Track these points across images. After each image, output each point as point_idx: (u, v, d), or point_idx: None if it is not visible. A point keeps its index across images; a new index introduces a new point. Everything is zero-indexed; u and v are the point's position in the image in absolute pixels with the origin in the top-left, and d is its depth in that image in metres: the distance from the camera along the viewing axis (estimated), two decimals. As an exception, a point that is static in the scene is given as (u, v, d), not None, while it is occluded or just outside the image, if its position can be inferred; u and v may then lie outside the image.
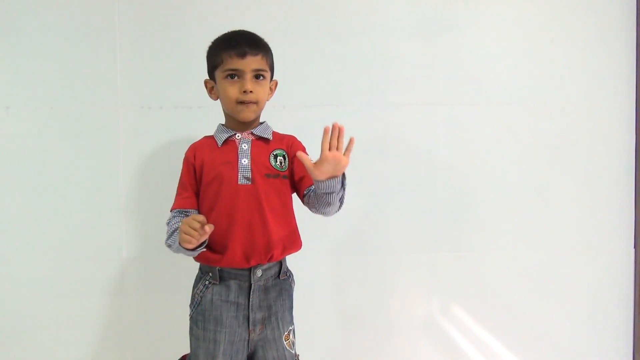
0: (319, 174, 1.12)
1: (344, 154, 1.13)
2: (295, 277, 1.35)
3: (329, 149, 1.11)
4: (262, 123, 1.33)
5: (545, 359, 1.74)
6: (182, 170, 1.32)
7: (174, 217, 1.27)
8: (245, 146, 1.27)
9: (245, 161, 1.26)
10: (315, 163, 1.13)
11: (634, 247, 1.75)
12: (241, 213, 1.23)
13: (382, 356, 1.71)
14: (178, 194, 1.31)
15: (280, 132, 1.35)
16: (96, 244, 1.62)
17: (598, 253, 1.75)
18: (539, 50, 1.70)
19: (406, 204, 1.69)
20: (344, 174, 1.17)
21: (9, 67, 1.59)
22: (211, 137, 1.32)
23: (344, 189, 1.20)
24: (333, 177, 1.14)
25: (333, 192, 1.17)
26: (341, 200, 1.22)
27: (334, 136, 1.12)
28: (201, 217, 1.13)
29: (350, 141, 1.13)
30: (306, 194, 1.26)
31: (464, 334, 1.73)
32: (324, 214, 1.25)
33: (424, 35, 1.67)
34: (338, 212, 1.26)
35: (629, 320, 1.77)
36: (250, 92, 1.24)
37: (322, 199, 1.19)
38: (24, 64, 1.59)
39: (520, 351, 1.74)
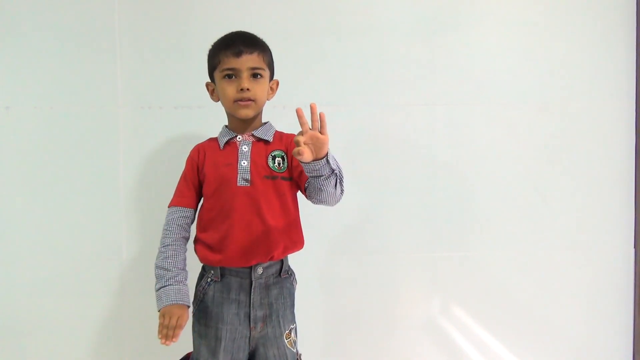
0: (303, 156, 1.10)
1: (321, 132, 1.09)
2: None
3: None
4: (264, 123, 1.33)
5: (545, 359, 1.74)
6: (186, 168, 1.33)
7: (171, 218, 1.30)
8: (245, 148, 1.28)
9: (244, 163, 1.26)
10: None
11: (634, 247, 1.75)
12: (240, 214, 1.23)
13: (382, 356, 1.71)
14: (179, 191, 1.32)
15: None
16: (96, 244, 1.62)
17: (598, 253, 1.75)
18: (539, 50, 1.70)
19: (406, 204, 1.69)
20: (327, 160, 1.12)
21: (9, 67, 1.59)
22: (215, 140, 1.33)
23: (336, 176, 1.17)
24: (317, 158, 1.11)
25: (321, 176, 1.14)
26: (339, 187, 1.20)
27: (314, 119, 1.10)
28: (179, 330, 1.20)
29: (321, 116, 1.09)
30: (306, 188, 1.24)
31: (464, 334, 1.73)
32: (323, 202, 1.22)
33: (424, 35, 1.67)
34: (338, 207, 1.25)
35: (629, 320, 1.77)
36: (247, 89, 1.24)
37: (313, 185, 1.18)
38: (24, 64, 1.59)
39: (520, 351, 1.74)
